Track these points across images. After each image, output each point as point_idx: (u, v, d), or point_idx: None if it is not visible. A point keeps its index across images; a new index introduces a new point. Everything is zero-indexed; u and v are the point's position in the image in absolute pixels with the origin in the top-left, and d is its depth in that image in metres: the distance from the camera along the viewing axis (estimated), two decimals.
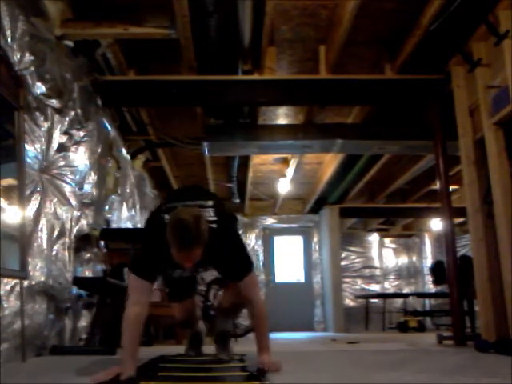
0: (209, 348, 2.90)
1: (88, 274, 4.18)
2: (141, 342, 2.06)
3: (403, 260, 10.69)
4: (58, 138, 3.53)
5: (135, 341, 2.01)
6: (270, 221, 9.64)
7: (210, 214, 2.13)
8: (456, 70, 3.95)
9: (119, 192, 5.34)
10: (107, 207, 4.89)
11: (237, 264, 2.21)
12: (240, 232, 2.40)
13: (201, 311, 5.12)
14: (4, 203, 2.70)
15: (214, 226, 2.10)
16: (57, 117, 3.51)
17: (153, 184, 7.50)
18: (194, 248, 1.94)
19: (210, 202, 2.21)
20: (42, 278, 3.17)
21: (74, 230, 3.83)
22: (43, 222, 3.26)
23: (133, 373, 1.90)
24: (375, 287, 10.15)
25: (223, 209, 2.29)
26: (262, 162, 7.21)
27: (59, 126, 3.56)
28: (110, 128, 4.97)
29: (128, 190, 5.79)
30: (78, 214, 3.92)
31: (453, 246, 4.18)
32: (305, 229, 9.71)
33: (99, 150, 4.47)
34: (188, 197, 2.24)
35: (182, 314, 2.81)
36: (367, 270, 10.23)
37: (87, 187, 4.15)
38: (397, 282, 10.52)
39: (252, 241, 9.52)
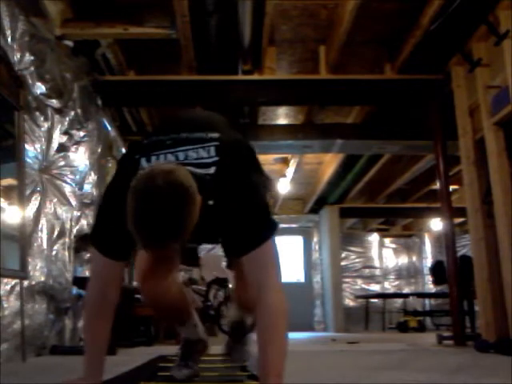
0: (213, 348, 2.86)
1: (88, 274, 4.18)
2: (108, 347, 1.43)
3: (403, 260, 10.69)
4: (58, 138, 3.53)
5: (99, 343, 1.41)
6: None
7: (208, 154, 1.34)
8: (456, 70, 3.95)
9: None
10: None
11: (250, 222, 1.30)
12: (260, 174, 1.54)
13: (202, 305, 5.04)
14: (4, 203, 2.70)
15: (210, 171, 1.32)
16: (57, 117, 3.51)
17: None
18: (167, 245, 1.18)
19: (214, 134, 1.40)
20: (42, 278, 3.17)
21: (74, 230, 3.82)
22: (43, 222, 3.26)
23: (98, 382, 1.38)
24: (375, 287, 10.15)
25: (233, 144, 1.42)
26: (262, 161, 7.14)
27: (59, 126, 3.56)
28: (110, 128, 4.97)
29: None
30: (78, 214, 3.92)
31: (453, 245, 4.18)
32: (305, 229, 9.72)
33: (99, 150, 4.47)
34: (184, 127, 1.44)
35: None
36: (367, 270, 10.23)
37: (87, 187, 4.15)
38: (397, 282, 10.53)
39: None
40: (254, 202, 1.34)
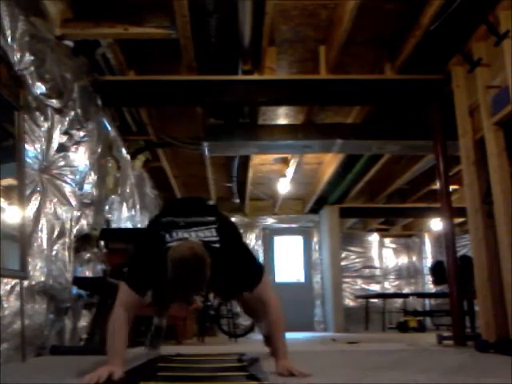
0: (210, 348, 2.88)
1: (88, 273, 4.18)
2: (128, 345, 2.09)
3: (403, 260, 10.69)
4: (58, 138, 3.53)
5: (123, 340, 2.03)
6: (269, 221, 9.64)
7: (211, 234, 2.10)
8: (456, 70, 3.95)
9: (119, 192, 5.35)
10: (107, 207, 4.89)
11: (248, 273, 2.14)
12: (244, 241, 2.37)
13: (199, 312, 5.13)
14: (4, 203, 2.70)
15: (216, 245, 2.06)
16: (57, 117, 3.51)
17: (153, 184, 7.50)
18: (194, 295, 2.11)
19: (211, 218, 2.15)
20: (42, 278, 3.17)
21: (74, 230, 3.83)
22: (43, 222, 3.26)
23: (120, 371, 1.90)
24: (375, 287, 10.15)
25: (225, 225, 2.22)
26: (262, 161, 7.21)
27: (59, 126, 3.56)
28: (110, 128, 4.97)
29: (128, 190, 5.79)
30: (78, 214, 3.92)
31: (453, 246, 4.17)
32: (305, 229, 9.71)
33: (99, 150, 4.47)
34: (188, 211, 2.18)
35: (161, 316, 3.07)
36: (367, 270, 10.23)
37: (87, 187, 4.15)
38: (397, 282, 10.52)
39: (252, 241, 9.52)
40: (248, 259, 2.19)
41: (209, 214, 2.18)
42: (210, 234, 2.09)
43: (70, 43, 3.87)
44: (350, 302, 9.78)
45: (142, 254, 2.16)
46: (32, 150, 3.13)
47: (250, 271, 2.14)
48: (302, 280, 9.58)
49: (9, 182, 2.83)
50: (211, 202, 2.51)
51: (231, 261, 2.09)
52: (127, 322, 2.04)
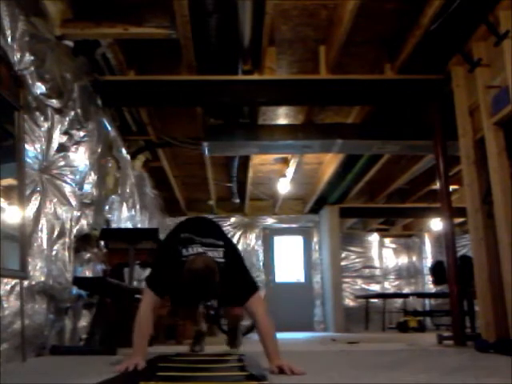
0: (210, 348, 2.89)
1: (88, 274, 4.18)
2: (149, 342, 2.50)
3: (403, 260, 10.69)
4: (58, 138, 3.53)
5: (146, 337, 2.41)
6: (270, 221, 9.64)
7: (219, 255, 2.49)
8: (456, 70, 3.95)
9: (119, 192, 5.35)
10: (107, 207, 4.89)
11: (243, 288, 2.48)
12: (244, 263, 2.70)
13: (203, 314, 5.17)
14: (4, 203, 2.70)
15: (222, 265, 2.43)
16: (57, 117, 3.51)
17: (153, 184, 7.50)
18: (206, 300, 2.56)
19: (221, 242, 2.58)
20: (42, 278, 3.17)
21: (74, 230, 3.83)
22: (43, 222, 3.26)
23: (143, 363, 2.26)
24: (375, 287, 10.15)
25: (230, 249, 2.61)
26: (262, 161, 7.21)
27: (59, 126, 3.56)
28: (110, 128, 4.97)
29: (128, 190, 5.79)
30: (78, 214, 3.92)
31: (453, 246, 4.17)
32: (305, 229, 9.71)
33: (99, 150, 4.47)
34: (203, 232, 2.60)
35: (185, 316, 3.47)
36: (367, 270, 10.22)
37: (87, 187, 4.15)
38: (397, 282, 10.52)
39: (252, 241, 9.51)
40: (246, 277, 2.56)
41: (219, 239, 2.61)
42: (218, 255, 2.48)
43: (70, 43, 3.87)
44: (349, 302, 9.78)
45: (161, 262, 2.60)
46: (32, 150, 3.13)
47: (245, 286, 2.49)
48: (302, 280, 9.58)
49: (9, 181, 2.83)
50: (218, 226, 2.94)
51: (232, 277, 2.47)
52: (151, 320, 2.42)
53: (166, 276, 2.47)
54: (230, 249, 2.63)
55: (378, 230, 10.49)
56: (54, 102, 3.47)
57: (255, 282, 2.60)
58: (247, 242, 9.45)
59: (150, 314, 2.42)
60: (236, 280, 2.50)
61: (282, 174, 7.41)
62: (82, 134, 4.03)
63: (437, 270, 5.77)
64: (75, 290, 3.77)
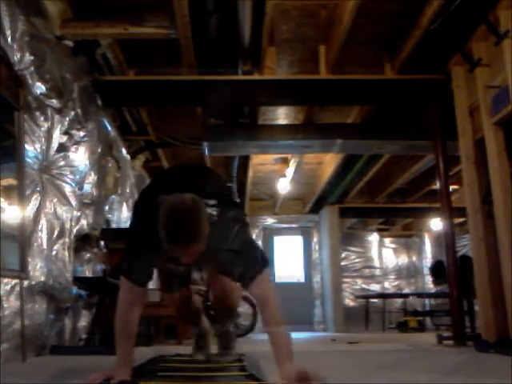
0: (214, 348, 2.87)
1: (88, 273, 4.18)
2: (136, 344, 1.96)
3: (403, 260, 10.68)
4: (58, 138, 3.53)
5: (131, 339, 1.91)
6: (270, 221, 9.64)
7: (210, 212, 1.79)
8: (456, 70, 3.95)
9: (119, 192, 5.35)
10: (107, 207, 4.89)
11: (248, 260, 1.83)
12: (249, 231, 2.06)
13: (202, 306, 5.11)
14: (4, 203, 2.70)
15: (214, 217, 1.78)
16: (57, 117, 3.51)
17: None
18: (190, 243, 1.64)
19: (213, 201, 1.82)
20: (42, 278, 3.17)
21: (74, 230, 3.83)
22: (43, 222, 3.26)
23: (127, 376, 1.81)
24: (375, 287, 10.15)
25: (228, 209, 1.89)
26: (262, 161, 7.21)
27: (59, 126, 3.56)
28: (110, 128, 4.97)
29: (128, 190, 5.79)
30: (78, 214, 3.92)
31: (453, 246, 4.17)
32: (305, 229, 9.71)
33: (99, 150, 4.47)
34: (185, 190, 1.76)
35: (178, 307, 2.54)
36: (367, 270, 10.23)
37: (87, 187, 4.15)
38: (397, 282, 10.52)
39: None
40: (251, 244, 1.93)
41: (210, 197, 1.83)
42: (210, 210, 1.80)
43: (69, 43, 3.87)
44: (349, 302, 9.78)
45: (135, 245, 1.92)
46: (32, 150, 3.13)
47: (251, 255, 1.84)
48: (302, 280, 9.58)
49: (9, 181, 2.83)
50: (214, 178, 2.17)
51: (229, 239, 1.81)
52: (136, 317, 1.88)
53: (145, 261, 1.87)
54: (228, 211, 1.88)
55: (377, 230, 10.49)
56: (54, 102, 3.47)
57: (264, 254, 1.90)
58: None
59: (133, 310, 1.87)
60: (234, 245, 1.82)
61: (282, 173, 7.40)
62: (81, 133, 4.03)
63: (437, 270, 5.77)
64: (75, 289, 3.77)
